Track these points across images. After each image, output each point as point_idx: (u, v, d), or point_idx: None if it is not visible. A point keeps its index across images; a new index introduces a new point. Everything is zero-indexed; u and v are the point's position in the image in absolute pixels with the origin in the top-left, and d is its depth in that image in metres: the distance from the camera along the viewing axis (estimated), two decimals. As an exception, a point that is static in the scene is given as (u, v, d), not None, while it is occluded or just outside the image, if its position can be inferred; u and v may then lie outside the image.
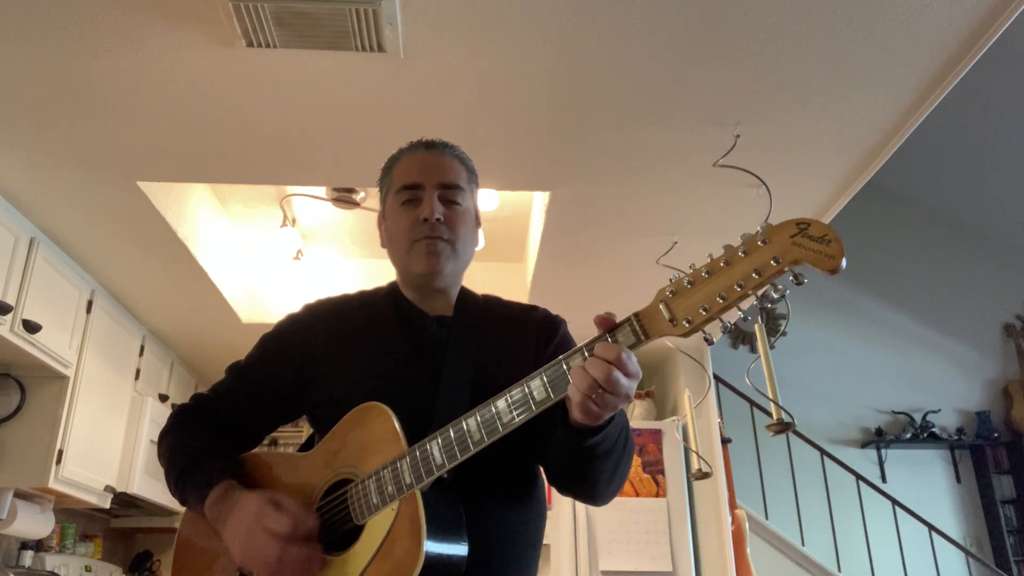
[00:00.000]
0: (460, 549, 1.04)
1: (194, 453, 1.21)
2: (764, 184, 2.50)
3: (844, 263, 0.85)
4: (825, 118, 2.33)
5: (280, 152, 2.49)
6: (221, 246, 3.37)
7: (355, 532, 1.07)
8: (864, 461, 6.24)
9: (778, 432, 2.27)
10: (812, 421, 6.02)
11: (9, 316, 2.62)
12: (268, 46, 1.96)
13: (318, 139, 2.42)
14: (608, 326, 0.97)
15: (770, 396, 2.33)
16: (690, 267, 0.94)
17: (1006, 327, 6.85)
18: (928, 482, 6.36)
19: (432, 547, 0.99)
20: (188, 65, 2.06)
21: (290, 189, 3.27)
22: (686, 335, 0.94)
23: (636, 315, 0.96)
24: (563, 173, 2.63)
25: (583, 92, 2.20)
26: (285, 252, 3.60)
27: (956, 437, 6.42)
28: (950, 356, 6.71)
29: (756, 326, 2.52)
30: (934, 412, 6.48)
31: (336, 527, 1.09)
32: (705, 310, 0.91)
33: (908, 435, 6.37)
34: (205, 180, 2.80)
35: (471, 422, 1.02)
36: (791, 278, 0.88)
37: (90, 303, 3.20)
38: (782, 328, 6.16)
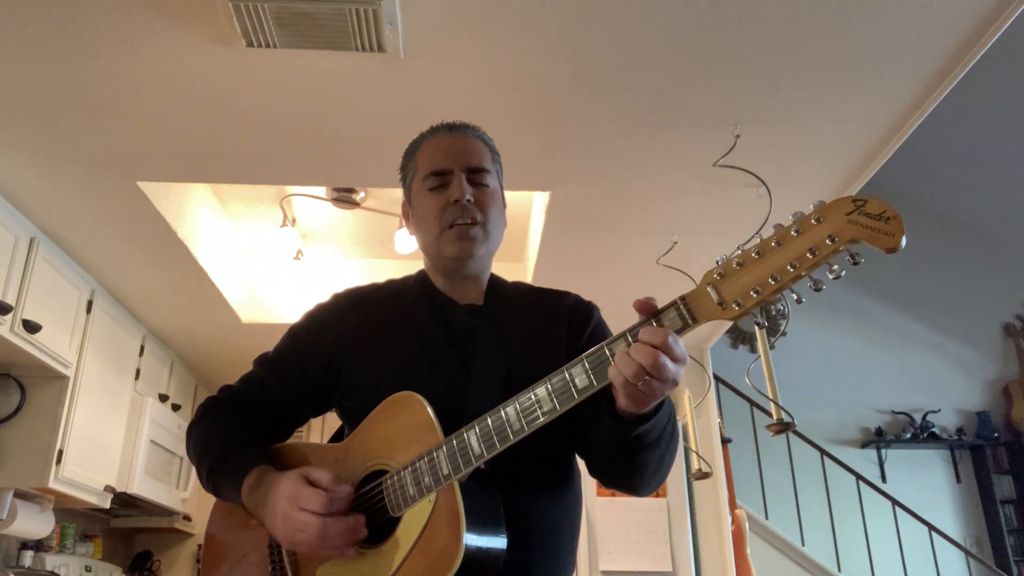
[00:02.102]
0: (499, 541, 1.02)
1: (225, 444, 1.20)
2: (764, 184, 2.51)
3: (904, 241, 0.81)
4: (825, 118, 2.33)
5: (280, 152, 2.49)
6: (221, 246, 3.37)
7: (391, 524, 1.06)
8: (864, 461, 6.25)
9: (778, 432, 2.27)
10: (812, 421, 6.03)
11: (9, 316, 2.62)
12: (268, 46, 1.96)
13: (318, 139, 2.42)
14: (649, 310, 0.94)
15: (770, 396, 2.33)
16: (738, 247, 0.90)
17: (1006, 327, 6.86)
18: (928, 482, 6.37)
19: (471, 539, 0.97)
20: (188, 65, 2.06)
21: (290, 189, 3.27)
22: (736, 318, 0.90)
23: (683, 298, 0.92)
24: (563, 173, 2.63)
25: (583, 92, 2.20)
26: (285, 252, 3.60)
27: (956, 437, 6.43)
28: (950, 356, 6.72)
29: (756, 326, 2.52)
30: (934, 412, 6.48)
31: (372, 519, 1.07)
32: (757, 292, 0.87)
33: (908, 435, 6.38)
34: (205, 180, 2.80)
35: (510, 411, 0.99)
36: (848, 258, 0.85)
37: (90, 303, 3.20)
38: (782, 328, 6.16)
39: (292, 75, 2.12)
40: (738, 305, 0.89)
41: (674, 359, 0.90)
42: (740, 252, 0.90)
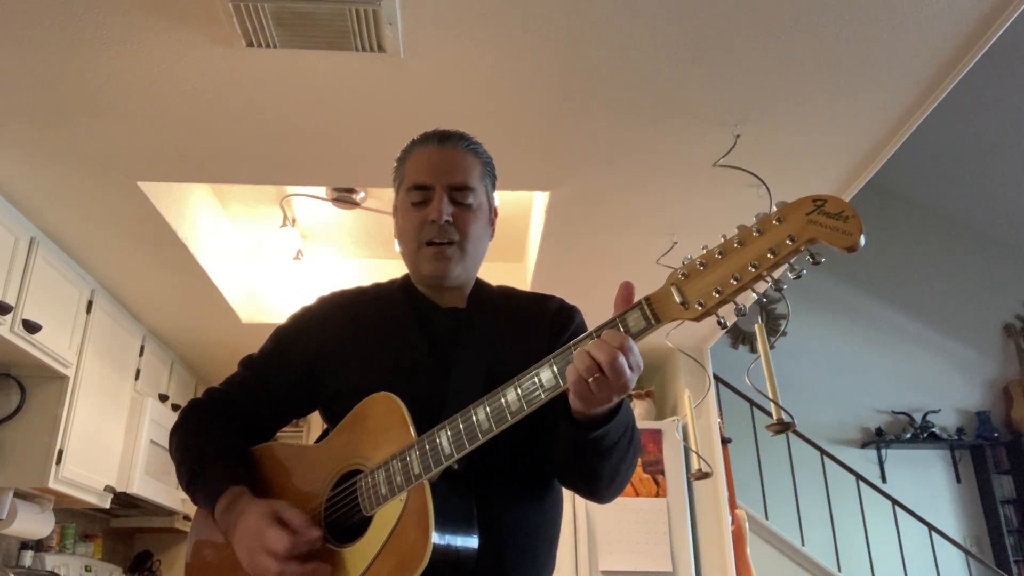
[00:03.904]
0: (470, 542, 1.02)
1: (202, 456, 1.20)
2: (764, 184, 2.50)
3: (863, 240, 0.82)
4: (825, 118, 2.33)
5: (280, 152, 2.49)
6: (221, 246, 3.37)
7: (364, 524, 1.06)
8: (864, 461, 6.25)
9: (778, 432, 2.27)
10: (812, 421, 6.02)
11: (9, 316, 2.62)
12: (268, 46, 1.96)
13: (318, 139, 2.42)
14: (629, 297, 0.96)
15: (770, 396, 2.33)
16: (703, 248, 0.91)
17: (1006, 327, 6.86)
18: (928, 482, 6.37)
19: (440, 539, 0.98)
20: (188, 65, 2.06)
21: (290, 189, 3.27)
22: (698, 318, 0.91)
23: (647, 298, 0.94)
24: (563, 173, 2.63)
25: (583, 92, 2.20)
26: (285, 252, 3.60)
27: (956, 437, 6.42)
28: (950, 356, 6.72)
29: (756, 326, 2.52)
30: (934, 412, 6.48)
31: (345, 519, 1.08)
32: (718, 292, 0.88)
33: (908, 435, 6.38)
34: (205, 180, 2.80)
35: (480, 411, 1.01)
36: (808, 258, 0.85)
37: (90, 303, 3.20)
38: (782, 328, 6.17)
39: (292, 75, 2.12)
40: (700, 305, 0.90)
41: (629, 364, 0.92)
42: (704, 252, 0.91)
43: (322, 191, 3.29)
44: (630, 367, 0.92)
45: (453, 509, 1.02)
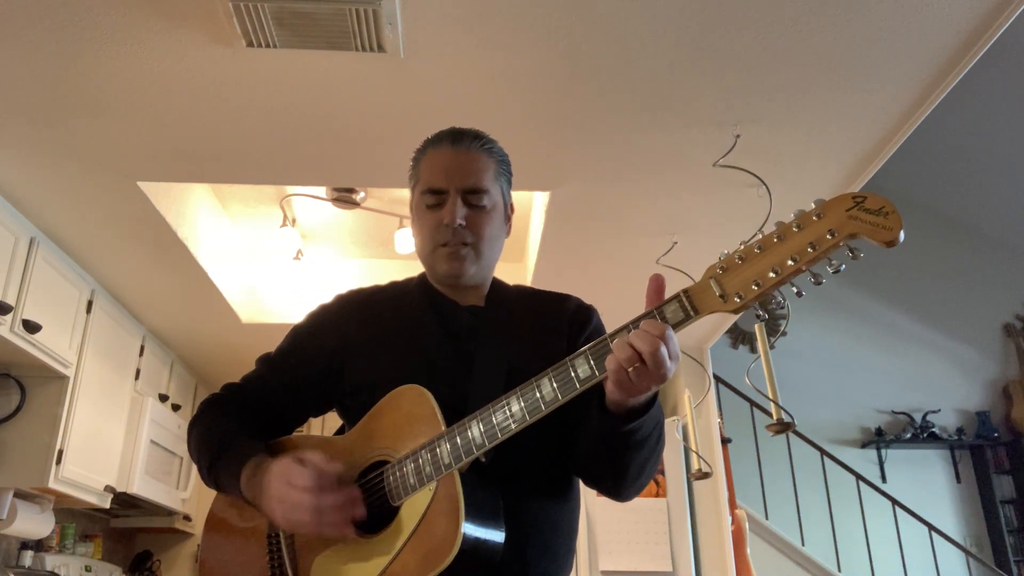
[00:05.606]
0: (497, 535, 1.03)
1: (224, 437, 1.20)
2: (764, 184, 2.50)
3: (902, 236, 0.84)
4: (825, 118, 2.33)
5: (280, 152, 2.49)
6: (221, 246, 3.37)
7: (390, 514, 1.06)
8: (864, 461, 6.25)
9: (778, 432, 2.27)
10: (812, 421, 6.03)
11: (9, 316, 2.62)
12: (268, 46, 1.96)
13: (318, 139, 2.42)
14: (660, 289, 0.98)
15: (770, 396, 2.33)
16: (740, 243, 0.93)
17: (1006, 327, 6.86)
18: (928, 482, 6.37)
19: (470, 529, 0.98)
20: (188, 65, 2.06)
21: (290, 189, 3.27)
22: (737, 311, 0.93)
23: (685, 291, 0.95)
24: (563, 173, 2.63)
25: (583, 92, 2.20)
26: (285, 252, 3.60)
27: (956, 437, 6.43)
28: (950, 356, 6.72)
29: (756, 326, 2.52)
30: (934, 412, 6.48)
31: (372, 509, 1.08)
32: (758, 285, 0.91)
33: (908, 435, 6.38)
34: (205, 180, 2.80)
35: (513, 401, 1.01)
36: (848, 252, 0.88)
37: (90, 303, 3.20)
38: (782, 328, 6.16)
39: (292, 75, 2.12)
40: (739, 298, 0.92)
41: (669, 354, 0.93)
42: (742, 247, 0.93)
43: (322, 191, 3.29)
44: (670, 356, 0.93)
45: (482, 501, 1.03)
